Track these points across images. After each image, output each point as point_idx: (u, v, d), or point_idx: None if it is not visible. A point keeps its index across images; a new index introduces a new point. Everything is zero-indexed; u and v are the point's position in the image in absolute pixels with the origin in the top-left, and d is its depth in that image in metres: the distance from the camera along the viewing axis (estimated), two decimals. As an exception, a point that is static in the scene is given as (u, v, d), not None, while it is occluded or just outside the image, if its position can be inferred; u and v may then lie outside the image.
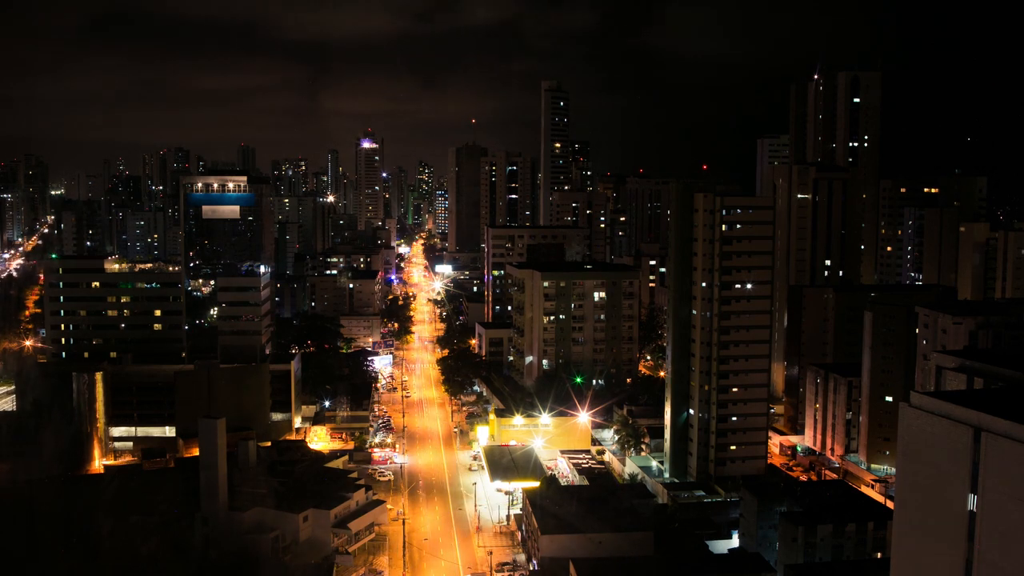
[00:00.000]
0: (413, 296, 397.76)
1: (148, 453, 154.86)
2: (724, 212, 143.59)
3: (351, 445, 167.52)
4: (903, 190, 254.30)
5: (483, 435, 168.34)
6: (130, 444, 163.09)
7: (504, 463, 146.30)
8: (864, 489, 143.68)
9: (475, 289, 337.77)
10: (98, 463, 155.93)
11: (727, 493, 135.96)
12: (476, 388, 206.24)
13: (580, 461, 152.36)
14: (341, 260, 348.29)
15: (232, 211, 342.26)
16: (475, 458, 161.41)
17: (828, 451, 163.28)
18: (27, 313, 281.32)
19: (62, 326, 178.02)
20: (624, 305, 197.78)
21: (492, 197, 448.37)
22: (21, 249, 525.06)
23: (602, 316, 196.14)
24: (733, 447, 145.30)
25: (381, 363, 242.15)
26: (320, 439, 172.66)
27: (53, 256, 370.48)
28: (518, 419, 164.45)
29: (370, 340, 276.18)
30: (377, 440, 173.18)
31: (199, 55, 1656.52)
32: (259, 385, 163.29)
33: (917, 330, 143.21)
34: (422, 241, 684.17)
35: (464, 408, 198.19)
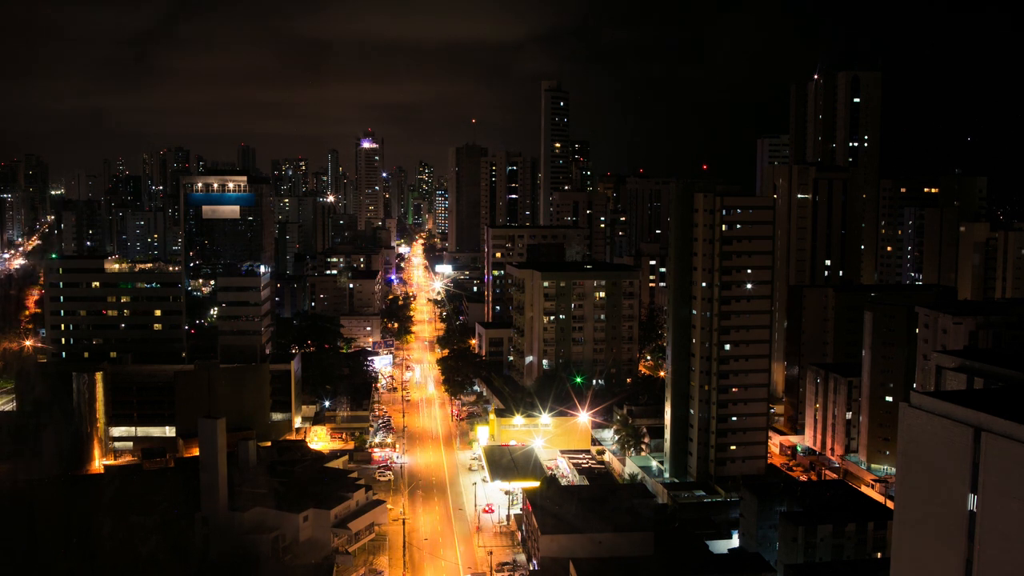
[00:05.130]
0: (413, 296, 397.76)
1: (148, 453, 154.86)
2: (724, 212, 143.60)
3: (351, 445, 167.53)
4: (903, 190, 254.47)
5: (483, 435, 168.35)
6: (130, 444, 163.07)
7: (504, 463, 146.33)
8: (864, 489, 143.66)
9: (475, 289, 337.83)
10: (98, 463, 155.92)
11: (727, 493, 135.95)
12: (476, 388, 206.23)
13: (580, 461, 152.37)
14: (341, 260, 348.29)
15: (232, 211, 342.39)
16: (475, 458, 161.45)
17: (828, 451, 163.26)
18: (27, 313, 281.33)
19: (62, 326, 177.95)
20: (624, 305, 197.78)
21: (492, 197, 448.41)
22: (21, 249, 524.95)
23: (602, 316, 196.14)
24: (733, 447, 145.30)
25: (381, 363, 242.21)
26: (320, 439, 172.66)
27: (53, 256, 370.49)
28: (518, 419, 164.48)
29: (370, 340, 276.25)
30: (377, 440, 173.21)
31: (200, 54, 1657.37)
32: (259, 385, 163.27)
33: (917, 330, 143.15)
34: (422, 241, 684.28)
35: (464, 408, 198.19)
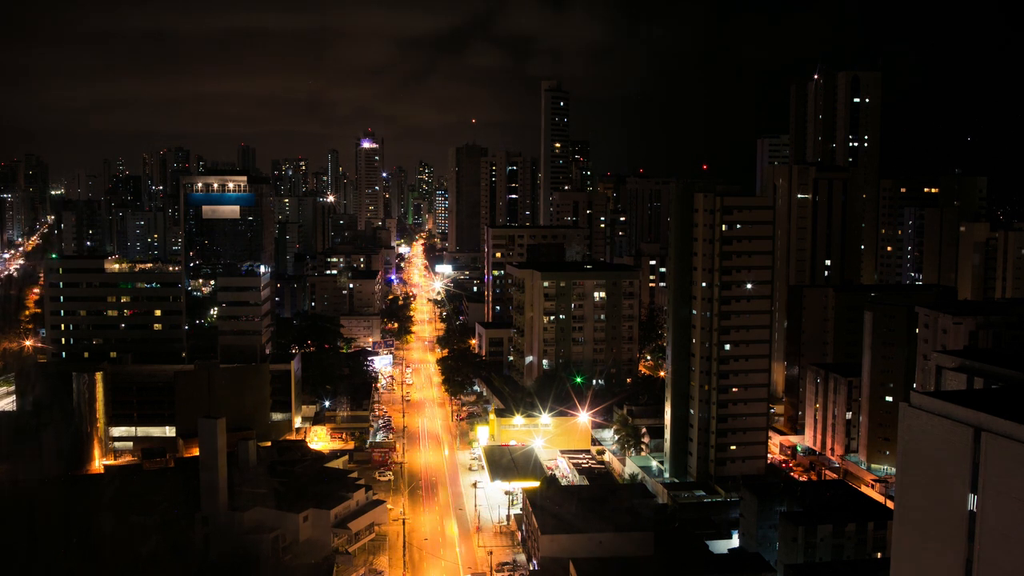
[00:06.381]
0: (413, 296, 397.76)
1: (148, 453, 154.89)
2: (724, 212, 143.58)
3: (351, 445, 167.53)
4: (903, 190, 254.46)
5: (483, 435, 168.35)
6: (130, 444, 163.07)
7: (504, 463, 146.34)
8: (864, 489, 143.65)
9: (475, 289, 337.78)
10: (98, 463, 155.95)
11: (727, 493, 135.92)
12: (476, 388, 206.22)
13: (580, 461, 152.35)
14: (341, 260, 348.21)
15: (232, 211, 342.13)
16: (475, 458, 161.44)
17: (828, 451, 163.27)
18: (27, 313, 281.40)
19: (62, 326, 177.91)
20: (624, 305, 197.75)
21: (492, 197, 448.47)
22: (21, 249, 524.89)
23: (602, 316, 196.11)
24: (733, 447, 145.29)
25: (381, 363, 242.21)
26: (320, 439, 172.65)
27: (53, 256, 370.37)
28: (518, 419, 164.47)
29: (370, 340, 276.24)
30: (377, 440, 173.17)
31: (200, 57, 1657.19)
32: (259, 385, 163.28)
33: (917, 330, 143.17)
34: (422, 241, 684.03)
35: (464, 408, 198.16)
